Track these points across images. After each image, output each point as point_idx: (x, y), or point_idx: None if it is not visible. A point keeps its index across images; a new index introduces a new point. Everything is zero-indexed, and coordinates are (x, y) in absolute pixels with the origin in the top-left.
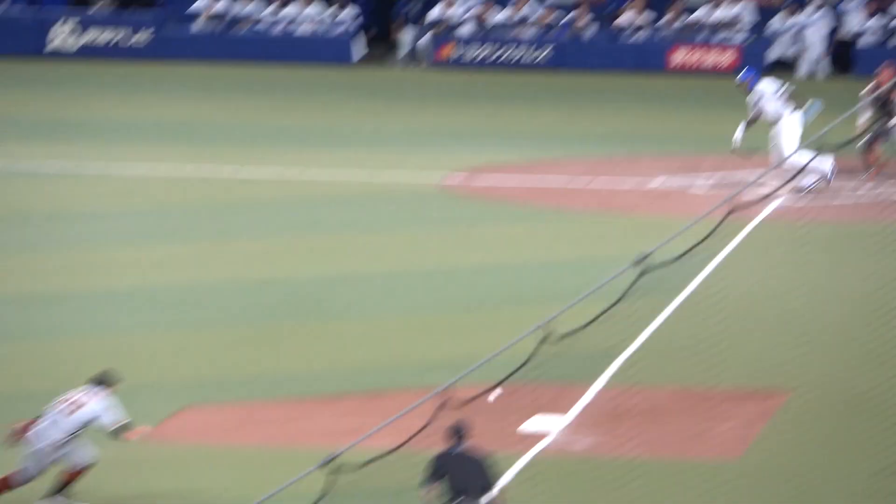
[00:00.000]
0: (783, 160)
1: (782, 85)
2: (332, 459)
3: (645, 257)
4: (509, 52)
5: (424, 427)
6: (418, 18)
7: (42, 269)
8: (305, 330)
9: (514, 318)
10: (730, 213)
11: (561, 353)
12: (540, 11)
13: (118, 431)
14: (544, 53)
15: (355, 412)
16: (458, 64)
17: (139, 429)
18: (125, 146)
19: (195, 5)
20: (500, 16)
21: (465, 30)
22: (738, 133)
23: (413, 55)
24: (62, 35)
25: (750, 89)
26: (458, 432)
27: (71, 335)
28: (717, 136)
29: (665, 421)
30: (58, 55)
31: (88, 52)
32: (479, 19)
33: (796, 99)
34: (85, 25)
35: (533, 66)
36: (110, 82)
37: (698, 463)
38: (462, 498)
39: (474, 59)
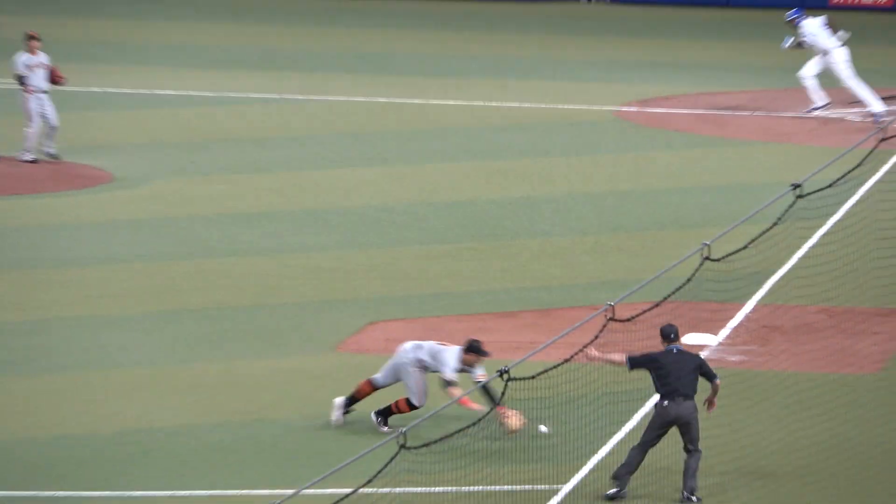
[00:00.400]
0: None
1: (824, 21)
2: (506, 371)
3: (799, 185)
4: None
5: (592, 341)
6: None
7: (249, 190)
8: (485, 249)
9: (676, 240)
10: (881, 141)
11: (719, 274)
12: None
13: (448, 384)
14: None
15: (530, 327)
16: (635, 0)
17: (473, 404)
18: (325, 76)
19: None
20: None
21: None
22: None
23: None
24: None
25: (797, 25)
26: (669, 332)
27: (281, 252)
28: (874, 69)
29: (811, 338)
30: None
31: None
32: None
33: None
34: None
35: (702, 3)
36: (322, 14)
37: (841, 375)
38: (676, 391)
39: None
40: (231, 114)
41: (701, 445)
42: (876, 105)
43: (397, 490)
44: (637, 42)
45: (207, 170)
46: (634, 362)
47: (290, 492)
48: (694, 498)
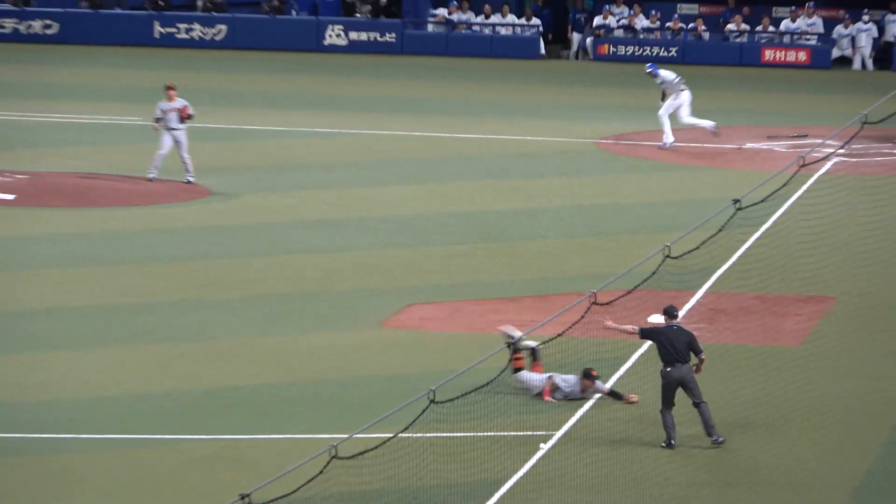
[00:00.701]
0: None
1: (676, 74)
2: (515, 342)
3: (739, 200)
4: (649, 49)
5: (578, 321)
6: (584, 25)
7: (315, 203)
8: (494, 249)
9: (644, 242)
10: (801, 167)
11: (676, 269)
12: (671, 20)
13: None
14: (673, 51)
15: (530, 309)
16: (613, 58)
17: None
18: (373, 116)
19: (430, 13)
20: (643, 23)
21: (618, 33)
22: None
23: (580, 52)
24: (334, 35)
25: (655, 76)
26: (672, 311)
27: (336, 251)
28: (794, 112)
29: (748, 318)
30: (331, 49)
31: (354, 48)
32: (629, 26)
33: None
34: (350, 28)
35: (666, 60)
36: (370, 69)
37: (771, 347)
38: (675, 360)
39: (624, 54)
40: (303, 144)
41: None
42: (670, 136)
43: (428, 435)
44: (613, 90)
45: (284, 187)
46: (644, 333)
47: (344, 436)
48: (721, 439)
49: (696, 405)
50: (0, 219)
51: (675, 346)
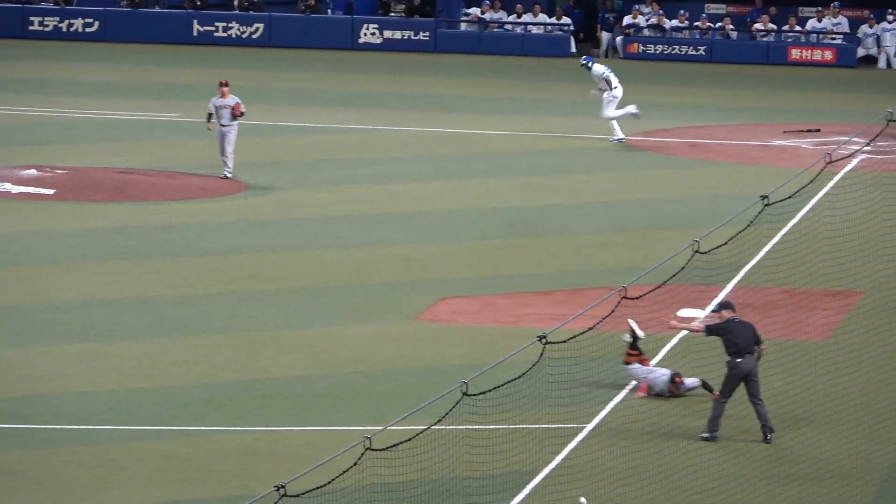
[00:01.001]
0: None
1: (607, 67)
2: (544, 336)
3: (766, 196)
4: (677, 48)
5: (609, 315)
6: (614, 24)
7: (347, 198)
8: (524, 244)
9: (672, 238)
10: (827, 164)
11: (705, 264)
12: (699, 19)
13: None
14: (701, 49)
15: (561, 303)
16: (642, 56)
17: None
18: (404, 112)
19: (463, 12)
20: (671, 23)
21: (647, 32)
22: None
23: (609, 50)
24: (369, 33)
25: (589, 69)
26: (729, 305)
27: (370, 245)
28: (820, 110)
29: (775, 312)
30: (365, 47)
31: (388, 46)
32: (657, 25)
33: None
34: (385, 26)
35: (694, 59)
36: (403, 67)
37: (799, 341)
38: (743, 351)
39: (653, 53)
40: (338, 140)
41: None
42: (619, 133)
43: (460, 427)
44: (642, 88)
45: (318, 183)
46: (710, 329)
47: (378, 428)
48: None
49: (755, 403)
50: (40, 213)
51: (742, 339)
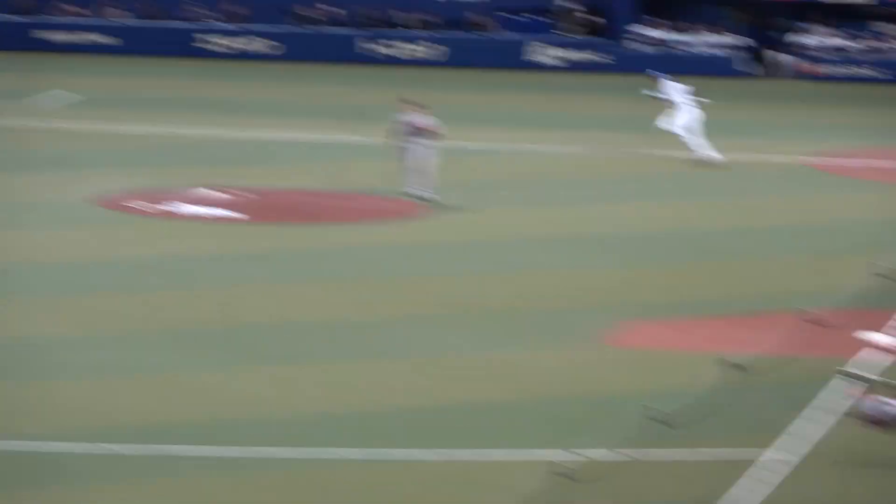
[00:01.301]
0: None
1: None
2: (730, 361)
3: None
4: (850, 69)
5: (801, 339)
6: (782, 43)
7: (534, 220)
8: (706, 267)
9: (856, 261)
10: None
11: (891, 288)
12: (873, 40)
13: None
14: (882, 70)
15: (744, 327)
16: (811, 77)
17: None
18: (590, 132)
19: (639, 33)
20: (843, 42)
21: (818, 52)
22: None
23: (778, 69)
24: (544, 53)
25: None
26: None
27: (555, 267)
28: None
29: None
30: (540, 67)
31: (565, 67)
32: (829, 46)
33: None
34: (561, 46)
35: (869, 80)
36: (581, 88)
37: None
38: None
39: (824, 74)
40: (519, 161)
41: None
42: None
43: (658, 457)
44: (817, 108)
45: (500, 204)
46: None
47: (574, 456)
48: None
49: None
50: (231, 236)
51: None
